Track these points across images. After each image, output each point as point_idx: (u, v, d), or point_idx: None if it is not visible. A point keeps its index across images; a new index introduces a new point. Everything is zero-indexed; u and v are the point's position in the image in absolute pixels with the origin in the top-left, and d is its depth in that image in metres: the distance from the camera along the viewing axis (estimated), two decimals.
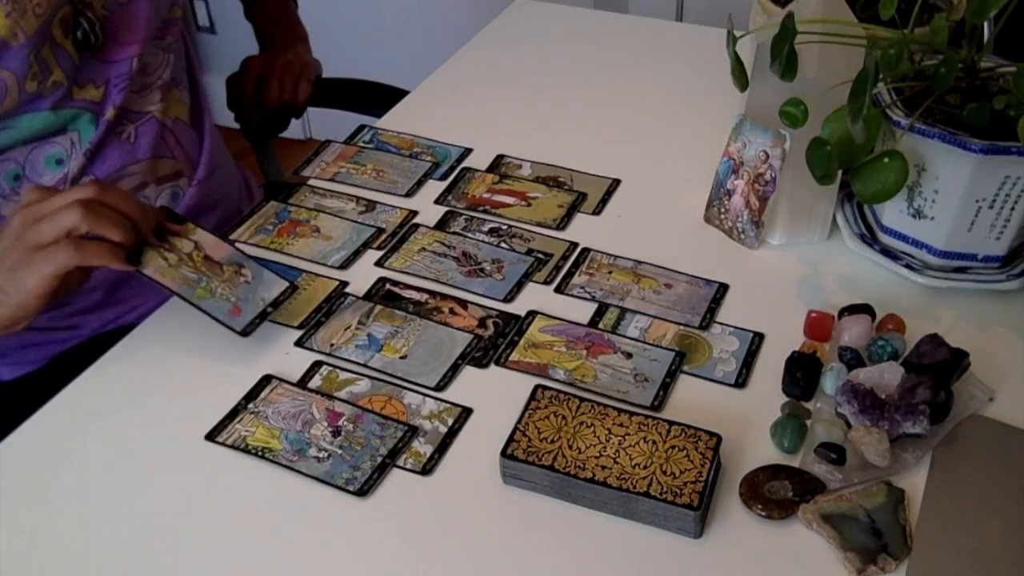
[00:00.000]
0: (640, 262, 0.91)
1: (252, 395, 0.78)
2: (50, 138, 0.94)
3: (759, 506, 0.67)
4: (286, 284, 0.85)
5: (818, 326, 0.81)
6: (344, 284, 0.90)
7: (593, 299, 0.87)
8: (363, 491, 0.70)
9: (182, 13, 1.06)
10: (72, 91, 0.93)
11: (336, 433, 0.74)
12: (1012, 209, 0.81)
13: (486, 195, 1.01)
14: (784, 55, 0.78)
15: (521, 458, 0.69)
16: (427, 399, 0.78)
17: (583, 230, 0.96)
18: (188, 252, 0.83)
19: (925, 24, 0.94)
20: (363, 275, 0.91)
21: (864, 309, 0.81)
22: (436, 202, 1.01)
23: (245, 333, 0.80)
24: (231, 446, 0.74)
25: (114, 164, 0.99)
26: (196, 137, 1.09)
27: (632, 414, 0.72)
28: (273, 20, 1.33)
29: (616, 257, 0.92)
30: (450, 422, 0.76)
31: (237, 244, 0.95)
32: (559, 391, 0.74)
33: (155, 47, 1.02)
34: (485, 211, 0.99)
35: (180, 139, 1.06)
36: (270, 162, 1.40)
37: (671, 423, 0.71)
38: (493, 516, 0.69)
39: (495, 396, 0.78)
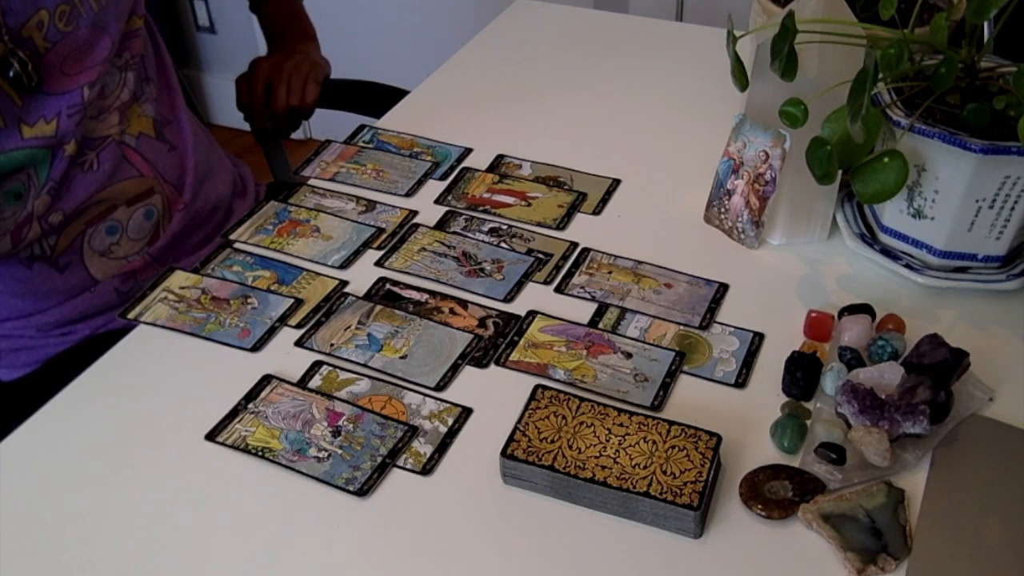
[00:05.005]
0: (640, 262, 0.91)
1: (252, 395, 0.78)
2: (6, 177, 0.92)
3: (759, 506, 0.67)
4: (291, 301, 0.87)
5: (818, 326, 0.81)
6: (344, 284, 0.90)
7: (593, 299, 0.87)
8: (363, 491, 0.70)
9: (143, 22, 1.03)
10: (22, 131, 0.91)
11: (336, 433, 0.74)
12: (1012, 209, 0.81)
13: (486, 195, 1.01)
14: (784, 55, 0.78)
15: (521, 458, 0.69)
16: (427, 399, 0.78)
17: (583, 230, 0.96)
18: (196, 298, 0.87)
19: (925, 24, 0.94)
20: (363, 275, 0.91)
21: (864, 309, 0.81)
22: (436, 202, 1.01)
23: (255, 349, 0.82)
24: (231, 446, 0.74)
25: (82, 195, 0.97)
26: (165, 148, 1.06)
27: (632, 414, 0.72)
28: (281, 17, 1.31)
29: (616, 257, 0.92)
30: (450, 422, 0.76)
31: (236, 244, 0.95)
32: (559, 391, 0.74)
33: (112, 67, 0.99)
34: (485, 211, 0.99)
35: (146, 155, 1.03)
36: (280, 161, 1.40)
37: (671, 423, 0.71)
38: (493, 516, 0.69)
39: (495, 396, 0.78)
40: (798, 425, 0.72)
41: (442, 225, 0.97)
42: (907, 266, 0.86)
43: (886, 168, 0.76)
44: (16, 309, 1.01)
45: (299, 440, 0.74)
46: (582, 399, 0.73)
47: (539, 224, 0.97)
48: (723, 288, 0.88)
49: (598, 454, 0.69)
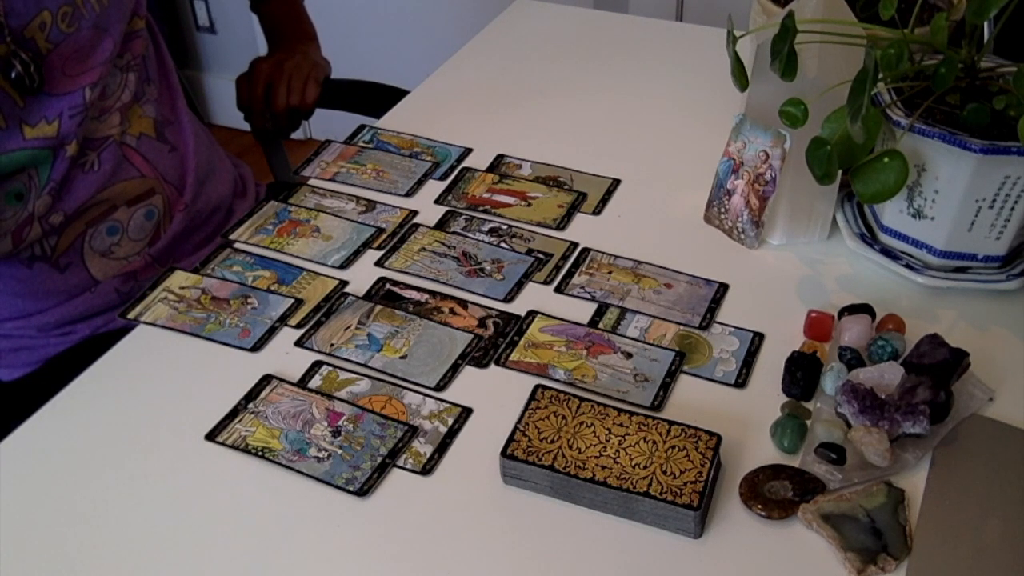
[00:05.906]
0: (640, 262, 0.91)
1: (252, 395, 0.78)
2: (7, 177, 0.92)
3: (759, 506, 0.67)
4: (291, 301, 0.87)
5: (818, 326, 0.81)
6: (344, 284, 0.90)
7: (593, 299, 0.87)
8: (363, 491, 0.70)
9: (145, 23, 1.03)
10: (24, 132, 0.91)
11: (336, 433, 0.74)
12: (1012, 209, 0.81)
13: (486, 195, 1.01)
14: (784, 55, 0.78)
15: (521, 458, 0.69)
16: (427, 399, 0.78)
17: (583, 230, 0.96)
18: (196, 298, 0.88)
19: (925, 24, 0.94)
20: (363, 275, 0.91)
21: (864, 309, 0.81)
22: (436, 202, 1.01)
23: (255, 349, 0.82)
24: (231, 446, 0.74)
25: (82, 196, 0.97)
26: (166, 148, 1.06)
27: (632, 414, 0.72)
28: (281, 17, 1.31)
29: (616, 257, 0.92)
30: (450, 422, 0.76)
31: (236, 244, 0.95)
32: (559, 391, 0.74)
33: (114, 68, 0.99)
34: (485, 211, 0.99)
35: (146, 156, 1.03)
36: (280, 161, 1.40)
37: (671, 423, 0.71)
38: (493, 516, 0.69)
39: (495, 396, 0.78)
40: (798, 425, 0.72)
41: (442, 225, 0.97)
42: (907, 266, 0.86)
43: (886, 168, 0.76)
44: (17, 309, 1.01)
45: (299, 440, 0.74)
46: (582, 399, 0.73)
47: (539, 224, 0.97)
48: (723, 288, 0.88)
49: (598, 454, 0.69)
